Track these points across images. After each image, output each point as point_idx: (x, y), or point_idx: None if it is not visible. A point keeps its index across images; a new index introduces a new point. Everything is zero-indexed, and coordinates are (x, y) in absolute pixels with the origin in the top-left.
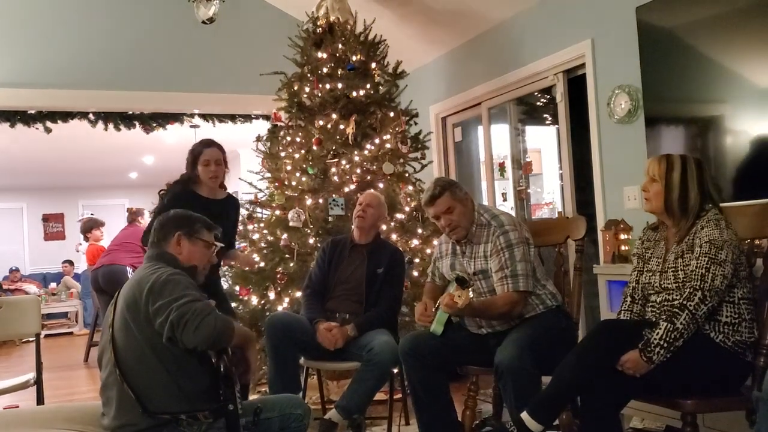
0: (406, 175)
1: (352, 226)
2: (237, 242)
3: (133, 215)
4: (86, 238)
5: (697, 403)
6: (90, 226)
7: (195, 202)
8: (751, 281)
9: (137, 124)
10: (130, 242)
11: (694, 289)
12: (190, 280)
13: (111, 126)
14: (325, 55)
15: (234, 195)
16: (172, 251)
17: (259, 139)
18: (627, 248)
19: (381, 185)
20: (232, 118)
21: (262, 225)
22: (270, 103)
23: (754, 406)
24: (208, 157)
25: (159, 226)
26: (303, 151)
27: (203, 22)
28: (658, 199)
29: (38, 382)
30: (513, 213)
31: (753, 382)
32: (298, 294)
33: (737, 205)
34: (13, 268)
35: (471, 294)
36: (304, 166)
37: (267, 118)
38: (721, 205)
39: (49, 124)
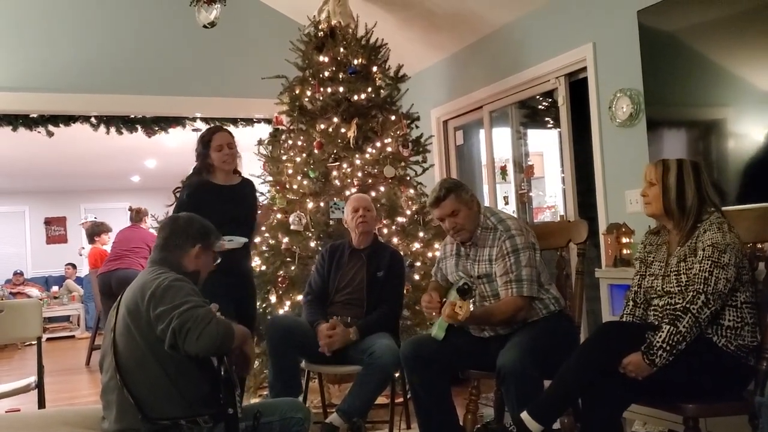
0: (408, 178)
1: (352, 233)
2: None
3: (139, 214)
4: (93, 242)
5: (699, 407)
6: (99, 231)
7: (212, 192)
8: (754, 285)
9: (139, 127)
10: (140, 246)
11: (697, 293)
12: (192, 286)
13: (113, 129)
14: (326, 59)
15: (248, 178)
16: (186, 261)
17: (260, 142)
18: (629, 252)
19: (382, 188)
20: (234, 121)
21: (263, 228)
22: (272, 106)
23: (757, 411)
24: (219, 141)
25: (179, 231)
26: (304, 155)
27: (204, 26)
28: (656, 202)
29: (40, 386)
30: (515, 216)
31: (756, 386)
32: (299, 297)
33: (740, 208)
34: (17, 271)
35: (472, 306)
36: (306, 169)
37: (269, 121)
38: (724, 208)
39: (51, 127)
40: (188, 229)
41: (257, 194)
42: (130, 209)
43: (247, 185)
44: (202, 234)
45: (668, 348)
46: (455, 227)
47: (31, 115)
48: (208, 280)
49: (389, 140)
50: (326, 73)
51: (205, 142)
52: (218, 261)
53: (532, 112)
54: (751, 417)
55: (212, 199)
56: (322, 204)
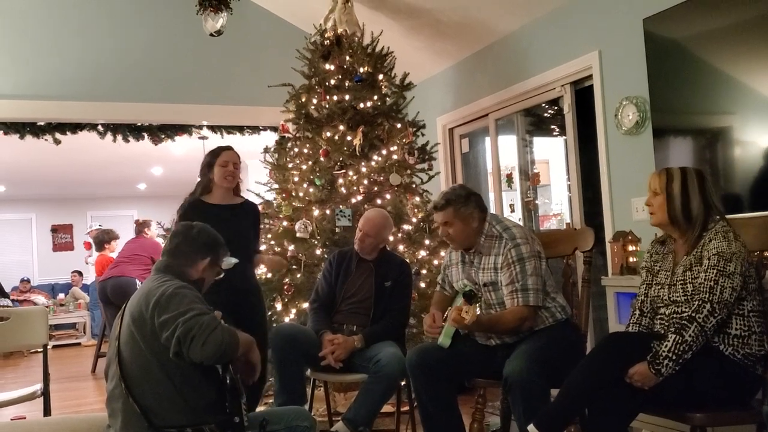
0: (413, 186)
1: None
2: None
3: (141, 226)
4: (102, 249)
5: (706, 416)
6: (109, 238)
7: (204, 211)
8: (761, 294)
9: (146, 135)
10: (138, 254)
11: (702, 302)
12: (197, 293)
13: (120, 137)
14: (332, 67)
15: (251, 202)
16: (192, 271)
17: (266, 150)
18: (635, 260)
19: (388, 196)
20: (241, 129)
21: (269, 236)
22: (278, 114)
23: (765, 420)
24: (227, 158)
25: (190, 239)
26: (310, 163)
27: (211, 35)
28: (661, 211)
29: (45, 393)
30: (521, 224)
31: (763, 395)
32: (305, 305)
33: (746, 216)
34: (24, 278)
35: (478, 310)
36: (312, 177)
37: (275, 129)
38: (730, 216)
39: (58, 135)
40: (200, 239)
41: (259, 216)
42: (136, 222)
43: (248, 207)
44: (212, 247)
45: (674, 357)
46: (447, 236)
47: (38, 123)
48: (207, 292)
49: (395, 148)
50: (332, 81)
51: (212, 156)
52: (221, 275)
53: (537, 120)
54: (758, 427)
55: (203, 220)
56: (327, 212)
